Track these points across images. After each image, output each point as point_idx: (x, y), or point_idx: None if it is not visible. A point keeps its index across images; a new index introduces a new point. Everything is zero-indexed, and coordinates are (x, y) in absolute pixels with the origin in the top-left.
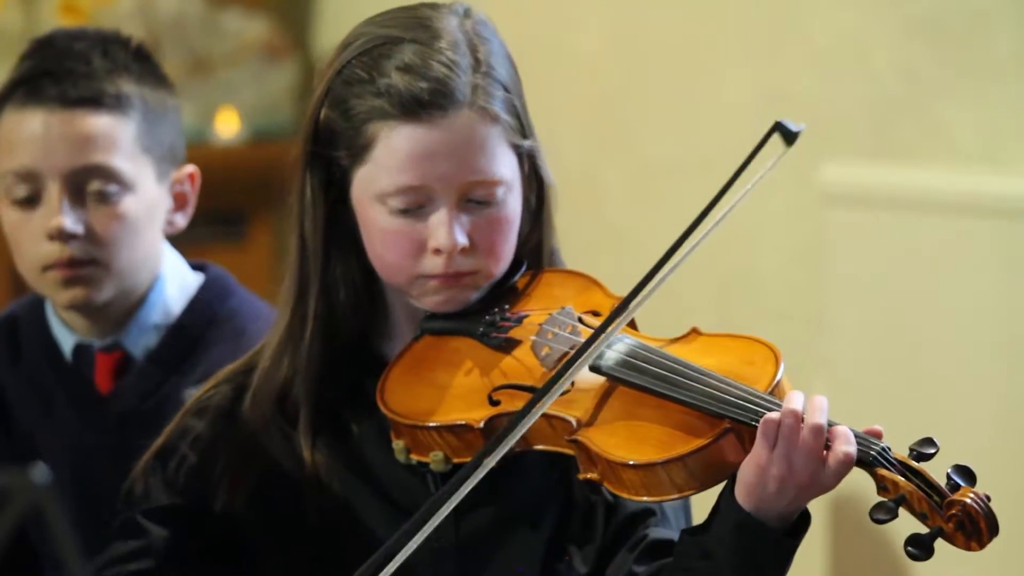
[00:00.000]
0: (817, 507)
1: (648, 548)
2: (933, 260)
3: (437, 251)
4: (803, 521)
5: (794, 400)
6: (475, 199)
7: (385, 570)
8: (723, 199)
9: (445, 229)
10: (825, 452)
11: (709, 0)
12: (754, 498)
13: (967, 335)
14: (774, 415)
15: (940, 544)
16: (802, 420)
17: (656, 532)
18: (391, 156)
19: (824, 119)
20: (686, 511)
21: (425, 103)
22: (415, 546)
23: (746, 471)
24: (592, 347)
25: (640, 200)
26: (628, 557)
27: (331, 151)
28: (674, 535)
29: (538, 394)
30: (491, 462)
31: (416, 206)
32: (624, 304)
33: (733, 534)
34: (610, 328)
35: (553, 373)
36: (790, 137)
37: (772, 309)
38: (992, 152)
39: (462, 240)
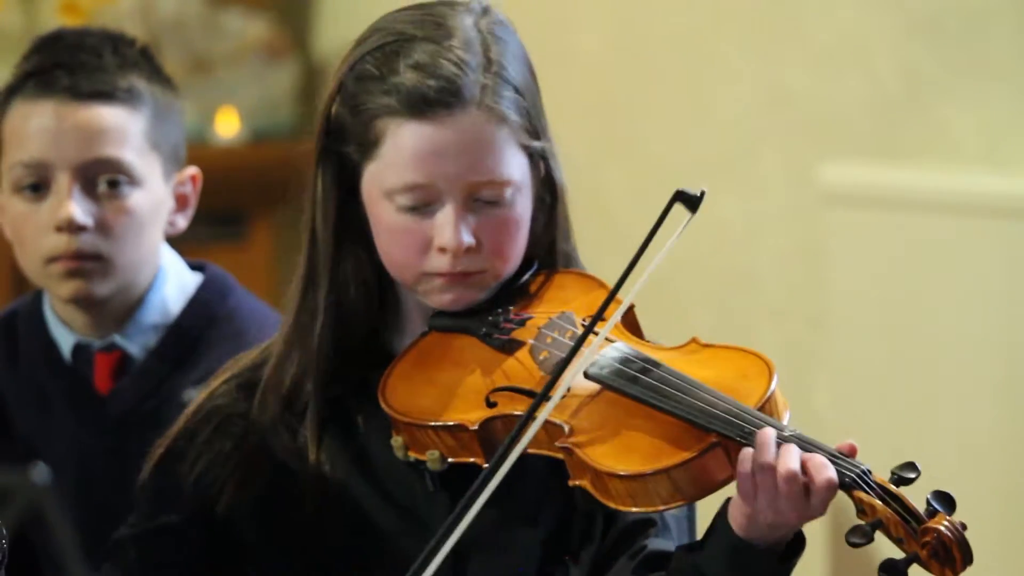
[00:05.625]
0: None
1: (646, 559)
2: (933, 260)
3: (442, 250)
4: (798, 542)
5: (766, 452)
6: (483, 199)
7: None
8: (636, 268)
9: (450, 228)
10: (806, 481)
11: (710, 0)
12: (747, 533)
13: (967, 335)
14: (747, 468)
15: (918, 570)
16: (775, 469)
17: (655, 543)
18: (398, 154)
19: (824, 119)
20: (690, 521)
21: (432, 101)
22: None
23: (735, 514)
24: (579, 359)
25: (643, 199)
26: (627, 566)
27: (342, 146)
28: (673, 547)
29: (531, 407)
30: (496, 478)
31: (423, 204)
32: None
33: (727, 557)
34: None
35: (547, 379)
36: (692, 203)
37: (772, 308)
38: (992, 152)
39: (467, 240)
